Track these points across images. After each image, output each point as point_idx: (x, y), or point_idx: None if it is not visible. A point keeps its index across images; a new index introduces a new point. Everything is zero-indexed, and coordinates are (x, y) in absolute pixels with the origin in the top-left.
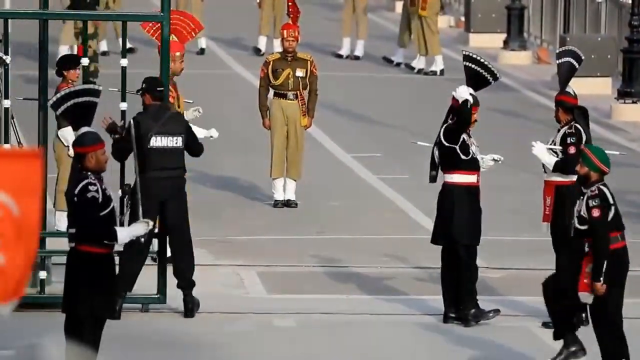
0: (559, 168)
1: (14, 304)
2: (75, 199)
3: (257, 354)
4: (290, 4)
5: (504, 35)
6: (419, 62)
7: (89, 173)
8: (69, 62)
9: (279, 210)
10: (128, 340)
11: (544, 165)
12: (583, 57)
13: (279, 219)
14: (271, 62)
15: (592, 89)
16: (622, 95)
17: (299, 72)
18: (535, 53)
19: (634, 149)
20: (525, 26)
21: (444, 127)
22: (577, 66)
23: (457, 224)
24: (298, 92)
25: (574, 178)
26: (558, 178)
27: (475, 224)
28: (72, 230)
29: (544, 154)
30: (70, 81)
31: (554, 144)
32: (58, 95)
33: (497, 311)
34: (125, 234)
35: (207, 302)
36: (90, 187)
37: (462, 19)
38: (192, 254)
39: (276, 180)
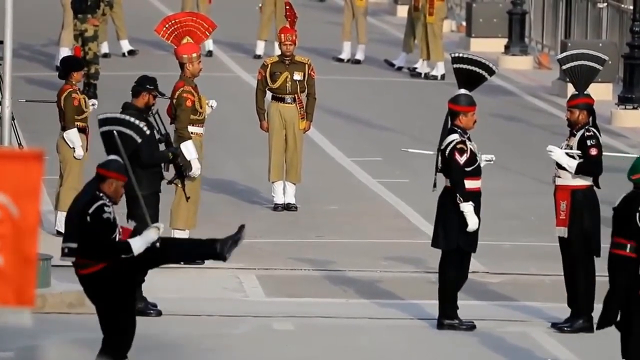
0: (582, 170)
1: (29, 311)
2: (89, 218)
3: (255, 357)
4: (287, 7)
5: (505, 40)
6: (422, 67)
7: (101, 194)
8: (73, 65)
9: (278, 213)
10: None
11: (557, 170)
12: (606, 58)
13: (278, 222)
14: (269, 65)
15: (593, 94)
16: (623, 101)
17: (297, 76)
18: (536, 58)
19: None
20: (527, 31)
21: (452, 144)
22: (598, 68)
23: (459, 230)
24: (296, 95)
25: (591, 182)
26: (574, 182)
27: (475, 231)
28: (74, 245)
29: (563, 157)
30: (74, 83)
31: (570, 148)
32: (108, 115)
33: (473, 327)
34: (139, 244)
35: (206, 305)
36: (106, 209)
37: (464, 23)
38: None
39: (275, 183)
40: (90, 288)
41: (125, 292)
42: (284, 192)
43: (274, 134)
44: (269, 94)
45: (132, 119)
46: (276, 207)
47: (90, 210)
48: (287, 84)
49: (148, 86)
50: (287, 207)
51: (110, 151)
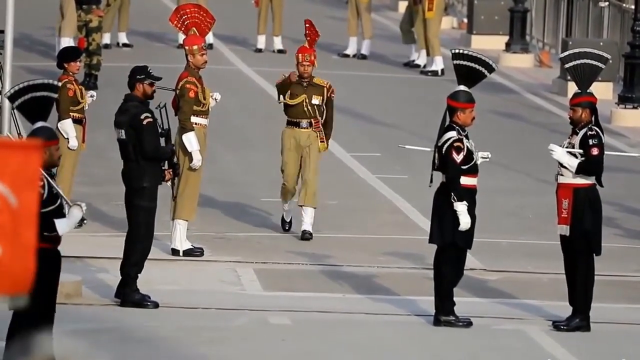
0: (582, 170)
1: (24, 298)
2: None
3: (251, 350)
4: (307, 25)
5: (506, 38)
6: (421, 58)
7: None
8: (69, 55)
9: (277, 207)
10: (121, 334)
11: (560, 168)
12: (609, 57)
13: (276, 216)
14: (289, 78)
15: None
16: (623, 100)
17: (315, 100)
18: (537, 56)
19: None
20: (528, 29)
21: (449, 142)
22: (601, 66)
23: (454, 225)
24: (312, 120)
25: (593, 180)
26: (576, 180)
27: (471, 228)
28: None
29: (564, 156)
30: (71, 73)
31: (572, 147)
32: (16, 87)
33: (469, 324)
34: (64, 224)
35: (203, 297)
36: None
37: (465, 20)
38: (135, 249)
39: (285, 204)
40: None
41: (51, 283)
42: (302, 218)
43: (288, 156)
44: (284, 117)
45: (40, 80)
46: (284, 225)
47: None
48: (304, 108)
49: (138, 76)
50: (302, 235)
51: (33, 119)
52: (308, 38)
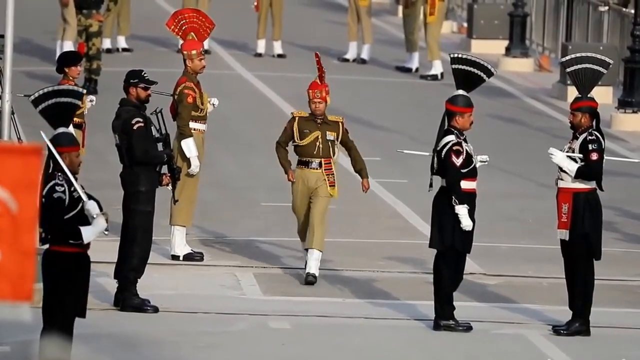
0: (581, 174)
1: (27, 306)
2: (43, 199)
3: (251, 355)
4: (317, 59)
5: (506, 42)
6: (413, 62)
7: (59, 174)
8: (70, 59)
9: (277, 211)
10: (121, 339)
11: (560, 172)
12: (611, 62)
13: (276, 221)
14: (297, 119)
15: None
16: (623, 104)
17: (330, 136)
18: (536, 60)
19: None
20: (528, 33)
21: (448, 146)
22: (603, 71)
23: (453, 230)
24: (323, 160)
25: (593, 185)
26: (576, 185)
27: (470, 232)
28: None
29: (564, 160)
30: (71, 78)
31: (572, 151)
32: (40, 92)
33: (469, 328)
34: (89, 232)
35: (203, 302)
36: (57, 188)
37: (465, 24)
38: (133, 253)
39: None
40: (51, 265)
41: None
42: (305, 262)
43: (298, 201)
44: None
45: (65, 86)
46: (309, 279)
47: (44, 192)
48: (317, 145)
49: (131, 80)
50: (306, 277)
51: (55, 125)
52: (318, 73)
